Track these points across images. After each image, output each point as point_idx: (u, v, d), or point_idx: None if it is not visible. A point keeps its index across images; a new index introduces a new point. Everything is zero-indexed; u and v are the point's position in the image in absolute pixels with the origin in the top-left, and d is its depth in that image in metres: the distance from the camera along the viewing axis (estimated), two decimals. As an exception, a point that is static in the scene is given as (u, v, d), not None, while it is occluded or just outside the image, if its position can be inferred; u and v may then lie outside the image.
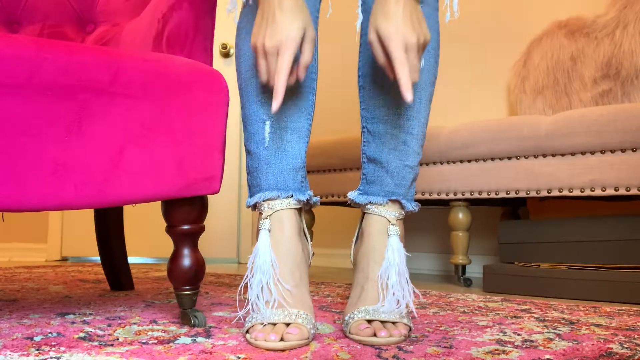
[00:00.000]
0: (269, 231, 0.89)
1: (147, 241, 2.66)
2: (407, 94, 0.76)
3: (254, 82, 0.92)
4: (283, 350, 0.75)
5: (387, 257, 0.89)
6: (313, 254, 1.00)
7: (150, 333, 0.85)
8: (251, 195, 0.94)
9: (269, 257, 0.86)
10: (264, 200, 0.91)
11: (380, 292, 0.86)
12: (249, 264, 0.88)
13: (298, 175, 0.93)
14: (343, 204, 2.02)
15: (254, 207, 0.93)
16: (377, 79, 0.94)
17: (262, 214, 0.91)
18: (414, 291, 0.88)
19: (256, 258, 0.87)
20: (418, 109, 0.94)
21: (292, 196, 0.91)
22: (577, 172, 1.48)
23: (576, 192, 1.48)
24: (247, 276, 0.87)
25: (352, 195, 0.97)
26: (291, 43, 0.80)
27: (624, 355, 0.74)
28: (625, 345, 0.80)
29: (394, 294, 0.86)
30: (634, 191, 1.39)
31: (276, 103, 0.79)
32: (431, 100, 0.98)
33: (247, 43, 0.94)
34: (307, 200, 0.93)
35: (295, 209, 0.92)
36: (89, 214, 2.66)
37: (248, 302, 0.86)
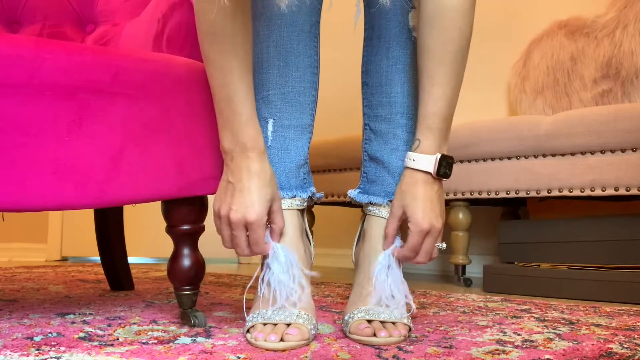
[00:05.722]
0: None
1: (147, 241, 2.65)
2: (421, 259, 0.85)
3: (255, 79, 0.91)
4: (283, 351, 0.75)
5: (384, 258, 0.88)
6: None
7: (150, 333, 0.85)
8: None
9: (281, 250, 0.85)
10: None
11: (376, 293, 0.86)
12: (264, 262, 0.86)
13: (300, 173, 0.92)
14: (343, 203, 2.02)
15: None
16: (381, 76, 0.93)
17: None
18: (407, 297, 0.86)
19: (270, 255, 0.85)
20: None
21: (295, 197, 0.90)
22: (577, 172, 1.47)
23: (576, 192, 1.48)
24: (263, 273, 0.85)
25: (352, 193, 0.96)
26: (259, 221, 0.79)
27: (624, 355, 0.74)
28: (625, 345, 0.80)
29: (391, 294, 0.85)
30: (634, 191, 1.39)
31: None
32: None
33: None
34: (310, 196, 0.93)
35: (298, 209, 0.91)
36: (89, 214, 2.64)
37: (260, 297, 0.85)
